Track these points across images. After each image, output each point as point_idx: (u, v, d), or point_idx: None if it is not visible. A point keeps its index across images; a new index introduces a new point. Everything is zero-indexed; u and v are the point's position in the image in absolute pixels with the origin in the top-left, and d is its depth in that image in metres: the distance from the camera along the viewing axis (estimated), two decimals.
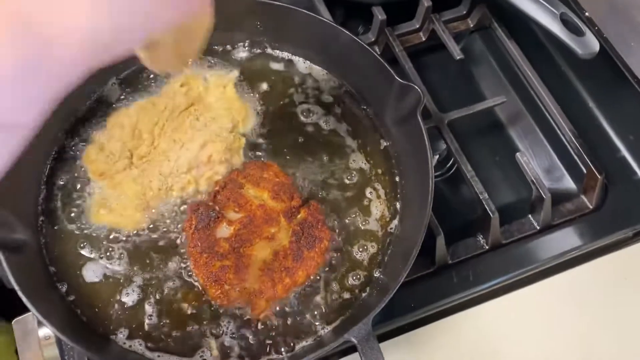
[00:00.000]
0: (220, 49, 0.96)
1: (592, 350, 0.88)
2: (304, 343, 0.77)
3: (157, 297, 0.79)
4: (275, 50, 0.97)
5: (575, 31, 0.88)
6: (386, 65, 0.87)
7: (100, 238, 0.82)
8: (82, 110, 0.90)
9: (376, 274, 0.82)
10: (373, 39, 1.07)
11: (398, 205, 0.87)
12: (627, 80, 0.96)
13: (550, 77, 1.04)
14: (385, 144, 0.91)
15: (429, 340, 0.87)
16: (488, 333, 0.89)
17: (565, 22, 0.88)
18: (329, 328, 0.78)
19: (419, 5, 1.07)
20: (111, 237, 0.82)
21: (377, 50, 1.08)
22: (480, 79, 1.13)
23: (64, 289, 0.78)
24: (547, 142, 1.06)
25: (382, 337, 0.85)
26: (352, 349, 0.70)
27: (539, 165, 1.05)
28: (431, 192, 0.78)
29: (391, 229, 0.85)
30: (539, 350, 0.88)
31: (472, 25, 1.13)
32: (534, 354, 0.88)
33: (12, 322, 0.87)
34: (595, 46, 0.88)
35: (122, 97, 0.92)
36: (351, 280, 0.81)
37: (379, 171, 0.89)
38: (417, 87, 0.83)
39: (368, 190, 0.88)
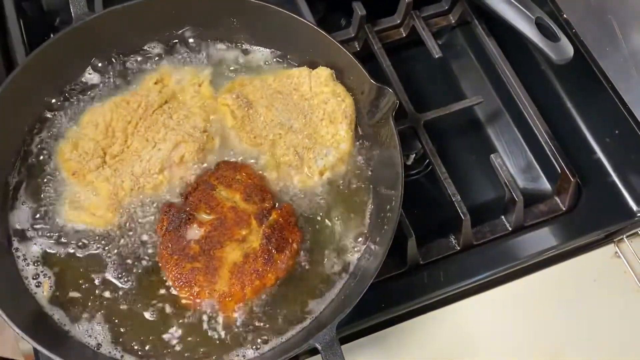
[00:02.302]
0: (195, 46, 0.95)
1: (560, 350, 0.90)
2: (271, 344, 0.78)
3: (128, 297, 0.80)
4: (251, 47, 0.97)
5: (551, 36, 0.88)
6: (361, 66, 0.87)
7: (72, 237, 0.82)
8: (53, 105, 0.89)
9: (345, 278, 0.83)
10: (353, 35, 1.07)
11: (370, 208, 0.87)
12: (602, 84, 0.96)
13: (529, 76, 1.04)
14: (359, 144, 0.91)
15: (398, 340, 0.89)
16: (458, 333, 0.90)
17: (541, 27, 0.88)
18: (297, 330, 0.79)
19: (400, 0, 1.06)
20: (83, 236, 0.82)
21: (357, 46, 1.08)
22: (461, 76, 1.13)
23: (34, 288, 0.79)
24: (524, 142, 1.06)
25: (352, 337, 0.87)
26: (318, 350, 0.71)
27: (515, 164, 1.05)
28: (400, 198, 0.79)
29: (363, 232, 0.86)
30: (507, 350, 0.90)
31: (453, 21, 1.12)
32: (502, 353, 0.90)
33: None
34: (570, 52, 0.87)
35: (94, 91, 0.91)
36: (320, 283, 0.82)
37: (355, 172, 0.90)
38: (391, 91, 0.83)
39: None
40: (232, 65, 0.95)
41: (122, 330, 0.78)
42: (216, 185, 0.84)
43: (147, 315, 0.79)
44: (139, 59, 0.94)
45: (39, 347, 0.71)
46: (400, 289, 0.89)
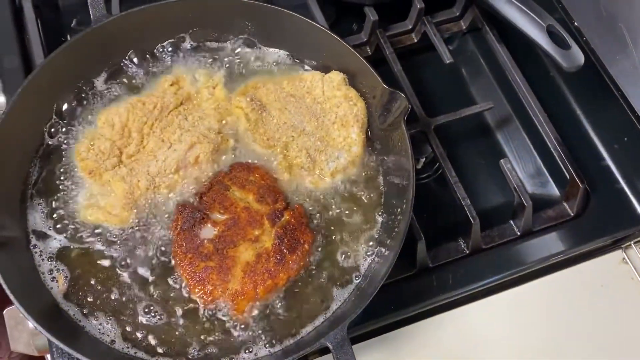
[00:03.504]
0: (210, 48, 0.97)
1: (566, 355, 0.91)
2: (283, 343, 0.79)
3: (142, 295, 0.81)
4: (265, 50, 0.98)
5: (562, 44, 0.89)
6: (373, 71, 0.88)
7: (88, 235, 0.83)
8: (70, 105, 0.91)
9: (356, 279, 0.84)
10: (365, 39, 1.08)
11: (381, 211, 0.88)
12: (612, 91, 0.97)
13: (538, 82, 1.05)
14: (371, 148, 0.92)
15: (407, 341, 0.90)
16: (465, 336, 0.91)
17: (552, 34, 0.89)
18: (309, 330, 0.80)
19: (412, 6, 1.07)
20: (98, 234, 0.84)
21: (369, 50, 1.09)
22: (471, 81, 1.14)
23: (50, 283, 0.81)
24: (533, 148, 1.07)
25: (361, 338, 0.88)
26: (329, 349, 0.72)
27: (524, 170, 1.06)
28: (411, 201, 0.80)
29: (373, 235, 0.87)
30: (514, 353, 0.91)
31: (464, 27, 1.13)
32: (509, 356, 0.91)
33: (4, 312, 0.89)
34: (580, 60, 0.88)
35: (110, 91, 0.92)
36: (331, 284, 0.83)
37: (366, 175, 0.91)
38: (403, 95, 0.84)
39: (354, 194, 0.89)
40: (246, 68, 0.96)
41: (134, 327, 0.79)
42: (230, 185, 0.85)
43: (160, 312, 0.80)
44: (155, 61, 0.95)
45: (55, 341, 0.72)
46: (410, 291, 0.90)
